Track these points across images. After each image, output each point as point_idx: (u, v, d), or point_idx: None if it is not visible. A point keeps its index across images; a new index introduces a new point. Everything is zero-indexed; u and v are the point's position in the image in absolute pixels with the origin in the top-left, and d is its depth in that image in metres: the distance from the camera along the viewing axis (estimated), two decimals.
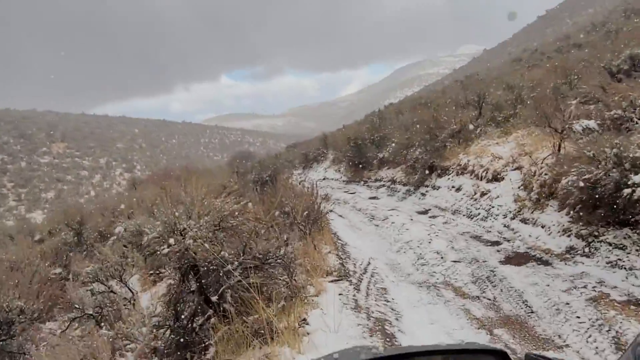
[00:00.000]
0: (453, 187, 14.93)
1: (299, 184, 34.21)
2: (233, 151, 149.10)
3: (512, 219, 10.78)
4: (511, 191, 11.65)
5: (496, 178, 12.83)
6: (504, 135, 16.56)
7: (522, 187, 11.48)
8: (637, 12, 43.84)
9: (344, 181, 27.62)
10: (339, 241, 12.95)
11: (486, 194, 12.64)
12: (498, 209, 11.57)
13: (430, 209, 14.75)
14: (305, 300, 6.45)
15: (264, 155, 71.50)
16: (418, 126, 19.57)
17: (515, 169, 12.45)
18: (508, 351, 1.03)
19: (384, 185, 21.39)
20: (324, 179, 31.76)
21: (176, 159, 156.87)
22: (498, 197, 12.03)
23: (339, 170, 30.42)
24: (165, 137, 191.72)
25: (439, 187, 15.90)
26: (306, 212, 9.81)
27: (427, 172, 17.26)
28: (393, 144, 22.59)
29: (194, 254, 5.17)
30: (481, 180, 13.59)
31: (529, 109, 17.15)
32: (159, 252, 5.14)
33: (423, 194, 16.69)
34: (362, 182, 24.56)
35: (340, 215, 16.80)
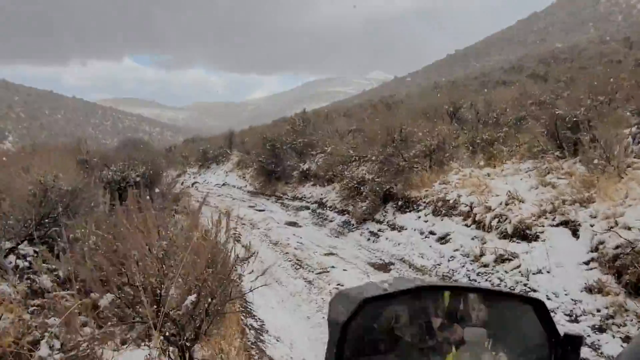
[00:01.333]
0: (431, 232, 9.53)
1: (191, 186, 27.45)
2: (124, 137, 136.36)
3: (599, 331, 5.46)
4: (573, 268, 6.40)
5: (524, 234, 7.59)
6: (491, 163, 11.62)
7: (593, 263, 6.29)
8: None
9: (249, 192, 21.51)
10: (251, 318, 7.00)
11: (510, 259, 7.33)
12: (550, 298, 6.23)
13: (392, 263, 9.21)
14: None
15: (157, 146, 63.18)
16: (366, 137, 14.14)
17: (559, 225, 7.31)
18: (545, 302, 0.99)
19: (307, 208, 15.62)
20: (223, 184, 25.31)
21: (59, 135, 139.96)
22: (540, 271, 6.74)
23: (244, 177, 24.21)
24: (49, 110, 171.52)
25: (402, 228, 10.44)
26: (195, 293, 3.68)
27: (380, 201, 11.79)
28: (323, 155, 16.99)
29: None
30: (487, 230, 8.32)
31: (524, 133, 12.45)
32: None
33: (375, 234, 11.13)
34: (275, 198, 18.64)
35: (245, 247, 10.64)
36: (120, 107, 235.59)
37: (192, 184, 27.41)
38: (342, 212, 13.40)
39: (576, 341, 0.93)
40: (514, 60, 73.95)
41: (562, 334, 0.93)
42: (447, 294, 0.98)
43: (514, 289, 6.73)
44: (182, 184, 31.91)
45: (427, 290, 0.97)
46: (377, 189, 11.74)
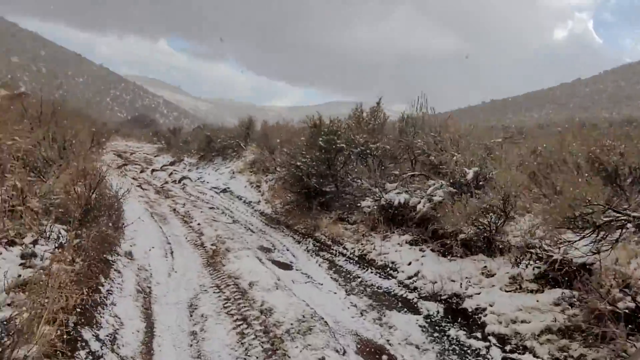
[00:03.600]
0: None
1: (177, 182, 18.03)
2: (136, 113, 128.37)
3: None
4: None
5: None
6: None
7: None
8: None
9: (265, 215, 12.19)
10: None
11: None
12: None
13: None
14: None
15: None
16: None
17: None
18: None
19: (409, 306, 6.30)
20: (224, 190, 16.00)
21: (72, 99, 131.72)
22: None
23: (259, 187, 14.89)
24: (73, 72, 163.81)
25: None
26: None
27: None
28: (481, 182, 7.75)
29: None
30: None
31: None
32: None
33: None
34: (315, 245, 9.30)
35: None
36: (145, 86, 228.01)
37: (179, 180, 18.06)
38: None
39: None
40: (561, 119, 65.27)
41: None
42: None
43: None
44: (151, 173, 22.64)
45: None
46: None
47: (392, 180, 9.52)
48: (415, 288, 6.52)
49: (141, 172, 21.94)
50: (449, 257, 6.87)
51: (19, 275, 3.36)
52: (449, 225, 6.75)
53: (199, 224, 10.49)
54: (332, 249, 8.83)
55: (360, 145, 10.05)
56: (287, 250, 9.23)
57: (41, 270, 3.66)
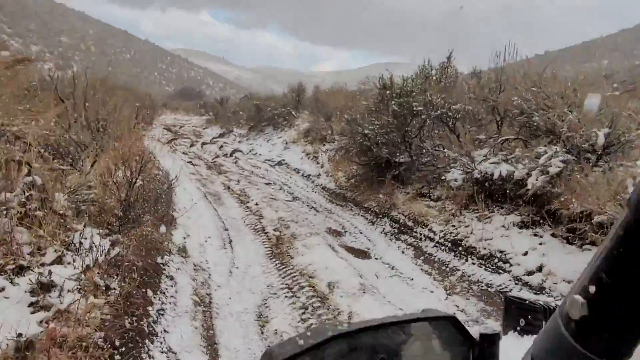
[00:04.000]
0: None
1: (229, 155, 16.94)
2: (182, 85, 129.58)
3: None
4: None
5: None
6: None
7: None
8: None
9: (328, 190, 10.86)
10: None
11: None
12: None
13: None
14: None
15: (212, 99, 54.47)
16: None
17: None
18: (457, 316, 1.11)
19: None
20: (279, 163, 14.82)
21: (122, 75, 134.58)
22: None
23: (317, 158, 13.57)
24: (120, 48, 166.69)
25: None
26: None
27: None
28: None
29: None
30: None
31: None
32: None
33: None
34: (392, 227, 7.93)
35: None
36: (190, 58, 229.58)
37: (231, 153, 17.03)
38: None
39: (492, 338, 0.92)
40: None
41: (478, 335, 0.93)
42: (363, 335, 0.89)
43: None
44: (201, 146, 21.65)
45: (342, 337, 0.87)
46: None
47: (477, 147, 7.96)
48: (542, 288, 5.05)
49: (191, 146, 21.14)
50: (578, 245, 5.34)
51: (19, 335, 2.22)
52: (578, 204, 5.20)
53: (256, 204, 9.33)
54: (415, 232, 7.43)
55: (440, 107, 8.45)
56: (361, 233, 7.94)
57: (58, 317, 2.51)
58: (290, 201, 9.91)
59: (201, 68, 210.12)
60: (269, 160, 15.21)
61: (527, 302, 1.44)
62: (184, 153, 18.94)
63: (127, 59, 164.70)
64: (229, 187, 11.16)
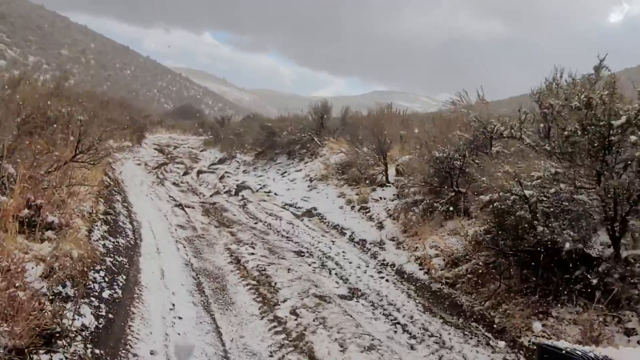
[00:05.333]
0: None
1: (233, 194, 12.41)
2: (181, 103, 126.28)
3: None
4: None
5: None
6: None
7: None
8: None
9: (422, 291, 6.36)
10: None
11: None
12: None
13: None
14: None
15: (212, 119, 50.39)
16: None
17: None
18: None
19: None
20: (311, 213, 10.34)
21: (121, 90, 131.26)
22: None
23: (368, 211, 9.15)
24: (120, 64, 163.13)
25: None
26: None
27: None
28: None
29: None
30: None
31: None
32: None
33: None
34: None
35: None
36: (191, 77, 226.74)
37: (236, 191, 12.65)
38: None
39: None
40: None
41: None
42: None
43: None
44: (197, 175, 16.84)
45: None
46: None
47: None
48: None
49: (184, 174, 16.75)
50: None
51: None
52: None
53: (293, 312, 4.94)
54: None
55: None
56: None
57: None
58: (347, 299, 5.50)
59: (201, 87, 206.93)
60: (290, 205, 10.79)
61: (564, 351, 1.33)
62: (174, 184, 14.57)
63: (127, 75, 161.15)
64: (238, 260, 6.73)
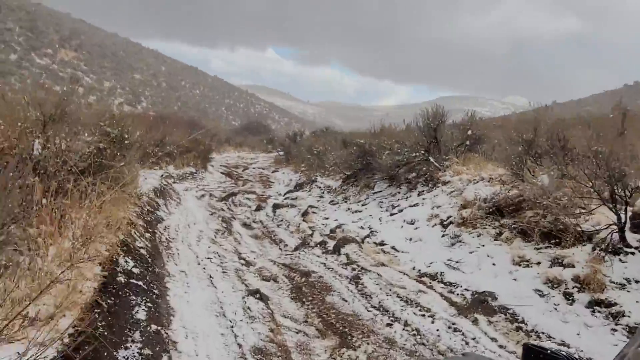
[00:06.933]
0: None
1: (334, 252, 8.41)
2: (248, 120, 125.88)
3: None
4: None
5: None
6: None
7: None
8: None
9: None
10: None
11: None
12: None
13: None
14: None
15: (281, 134, 47.44)
16: None
17: None
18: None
19: None
20: (485, 303, 5.91)
21: (191, 109, 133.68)
22: None
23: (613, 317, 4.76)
24: (190, 85, 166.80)
25: None
26: None
27: None
28: None
29: None
30: None
31: None
32: None
33: None
34: None
35: None
36: (257, 94, 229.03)
37: (335, 247, 8.31)
38: None
39: None
40: None
41: None
42: None
43: None
44: (272, 211, 11.74)
45: None
46: None
47: None
48: None
49: (257, 209, 12.99)
50: None
51: None
52: None
53: None
54: None
55: None
56: None
57: None
58: None
59: (267, 103, 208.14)
60: (432, 277, 6.46)
61: (549, 351, 1.38)
62: (245, 226, 10.84)
63: (196, 94, 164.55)
64: None
